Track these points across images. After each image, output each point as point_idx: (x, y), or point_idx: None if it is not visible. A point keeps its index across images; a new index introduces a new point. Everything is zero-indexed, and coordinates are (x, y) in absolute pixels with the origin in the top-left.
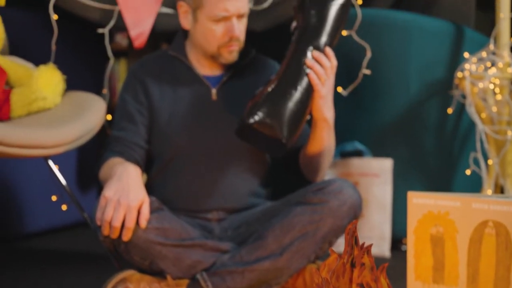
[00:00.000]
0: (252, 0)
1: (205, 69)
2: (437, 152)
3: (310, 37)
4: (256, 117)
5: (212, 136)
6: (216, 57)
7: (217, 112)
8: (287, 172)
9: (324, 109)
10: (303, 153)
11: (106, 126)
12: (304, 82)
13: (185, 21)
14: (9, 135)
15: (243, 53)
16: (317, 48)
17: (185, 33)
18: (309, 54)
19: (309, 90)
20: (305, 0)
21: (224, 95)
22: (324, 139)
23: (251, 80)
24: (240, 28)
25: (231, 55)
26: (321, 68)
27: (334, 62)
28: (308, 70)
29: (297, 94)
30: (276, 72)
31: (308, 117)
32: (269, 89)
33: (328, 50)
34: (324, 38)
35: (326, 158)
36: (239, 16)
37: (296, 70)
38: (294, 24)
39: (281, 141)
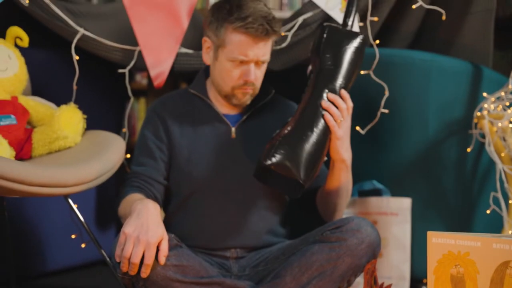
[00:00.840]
0: None
1: (225, 107)
2: (456, 192)
3: (326, 80)
4: (273, 159)
5: (231, 174)
6: (229, 97)
7: (237, 150)
8: (304, 212)
9: (342, 150)
10: (320, 194)
11: (126, 165)
12: (320, 124)
13: (207, 56)
14: (30, 174)
15: (262, 92)
16: (333, 90)
17: (206, 72)
18: (324, 96)
19: (326, 132)
20: (320, 44)
21: (243, 133)
22: (341, 179)
23: (270, 119)
24: (256, 74)
25: (244, 97)
26: (337, 110)
27: (350, 104)
28: (324, 112)
29: (313, 136)
30: (293, 114)
31: (326, 158)
32: (286, 131)
33: (344, 92)
34: (339, 81)
35: (343, 199)
36: (258, 63)
37: (312, 112)
38: (310, 67)
39: (299, 182)
